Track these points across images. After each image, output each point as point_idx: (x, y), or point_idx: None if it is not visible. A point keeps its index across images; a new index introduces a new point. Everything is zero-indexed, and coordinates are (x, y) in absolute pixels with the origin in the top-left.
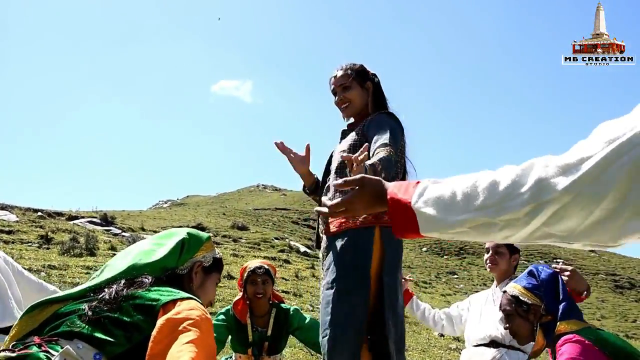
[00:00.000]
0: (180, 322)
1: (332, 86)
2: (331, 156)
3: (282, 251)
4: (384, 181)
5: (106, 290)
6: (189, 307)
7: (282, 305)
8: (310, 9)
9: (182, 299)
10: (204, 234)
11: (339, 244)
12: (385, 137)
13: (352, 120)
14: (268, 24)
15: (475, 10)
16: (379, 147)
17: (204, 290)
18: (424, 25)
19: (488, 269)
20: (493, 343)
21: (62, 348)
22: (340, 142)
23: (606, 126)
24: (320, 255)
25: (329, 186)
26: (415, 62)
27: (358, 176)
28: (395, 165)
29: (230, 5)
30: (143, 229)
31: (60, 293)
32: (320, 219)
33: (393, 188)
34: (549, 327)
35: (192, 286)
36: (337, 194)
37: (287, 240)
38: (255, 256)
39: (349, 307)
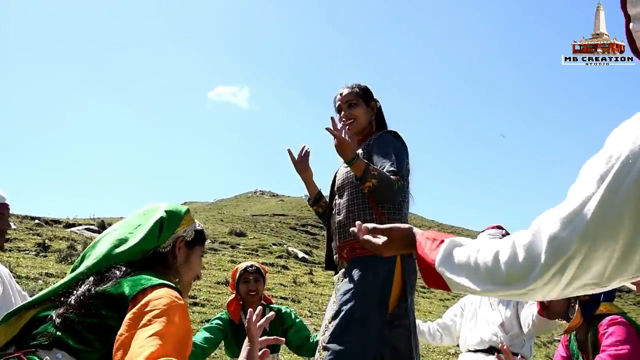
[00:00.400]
0: (143, 315)
1: (338, 103)
2: (335, 177)
3: (280, 257)
4: (414, 230)
5: (74, 293)
6: (156, 297)
7: (272, 305)
8: (308, 15)
9: (153, 286)
10: (183, 208)
11: (357, 271)
12: (392, 164)
13: (354, 139)
14: (265, 29)
15: (474, 11)
16: (389, 171)
17: (189, 265)
18: (422, 26)
19: None
20: (491, 349)
21: (40, 359)
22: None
23: (591, 164)
24: (335, 279)
25: (337, 205)
26: (414, 64)
27: (387, 226)
28: (398, 193)
29: (227, 11)
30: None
31: (34, 297)
32: (335, 241)
33: (421, 240)
34: (586, 307)
35: (176, 263)
36: (347, 215)
37: (285, 246)
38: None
39: (364, 338)
